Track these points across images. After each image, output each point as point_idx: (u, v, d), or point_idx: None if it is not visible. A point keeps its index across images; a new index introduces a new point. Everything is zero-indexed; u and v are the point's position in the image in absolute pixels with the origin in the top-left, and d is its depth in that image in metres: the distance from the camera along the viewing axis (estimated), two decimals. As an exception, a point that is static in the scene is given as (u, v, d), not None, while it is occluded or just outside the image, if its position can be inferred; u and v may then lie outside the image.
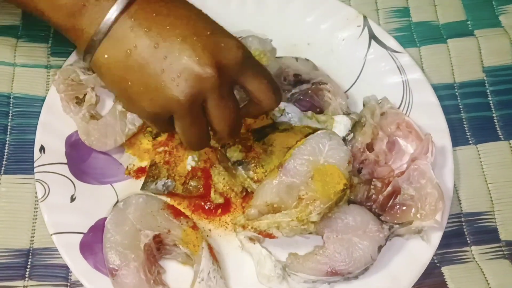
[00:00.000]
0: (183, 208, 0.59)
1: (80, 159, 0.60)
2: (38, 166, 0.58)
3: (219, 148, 0.58)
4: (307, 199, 0.53)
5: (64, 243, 0.55)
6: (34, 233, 0.58)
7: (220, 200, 0.59)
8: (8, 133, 0.63)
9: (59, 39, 0.67)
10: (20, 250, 0.58)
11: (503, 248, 0.62)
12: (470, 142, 0.67)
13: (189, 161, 0.60)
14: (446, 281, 0.59)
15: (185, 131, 0.49)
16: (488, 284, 0.59)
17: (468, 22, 0.75)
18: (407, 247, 0.57)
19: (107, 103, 0.63)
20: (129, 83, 0.46)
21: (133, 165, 0.61)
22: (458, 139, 0.67)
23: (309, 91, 0.65)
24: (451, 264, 0.61)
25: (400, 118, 0.62)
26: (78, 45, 0.49)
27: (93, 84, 0.61)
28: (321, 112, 0.64)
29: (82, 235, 0.56)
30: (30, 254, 0.58)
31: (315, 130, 0.59)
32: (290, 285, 0.55)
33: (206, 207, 0.59)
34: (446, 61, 0.72)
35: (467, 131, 0.68)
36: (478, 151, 0.67)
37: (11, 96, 0.64)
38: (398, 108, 0.65)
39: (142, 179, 0.60)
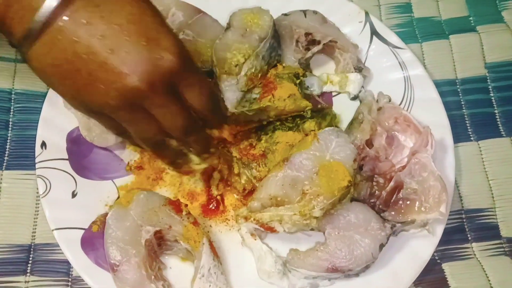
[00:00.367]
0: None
1: (81, 154, 0.60)
2: (40, 162, 0.58)
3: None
4: (311, 194, 0.54)
5: (65, 238, 0.55)
6: (35, 228, 0.59)
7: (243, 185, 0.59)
8: (10, 128, 0.63)
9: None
10: (21, 246, 0.58)
11: (504, 245, 0.62)
12: (472, 138, 0.67)
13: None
14: (446, 278, 0.60)
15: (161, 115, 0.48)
16: (489, 280, 0.59)
17: (471, 18, 0.75)
18: (408, 244, 0.57)
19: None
20: (76, 74, 0.44)
21: (134, 161, 0.61)
22: (459, 135, 0.67)
23: (322, 54, 0.67)
24: (452, 260, 0.61)
25: (398, 112, 0.62)
26: (11, 35, 0.44)
27: None
28: None
29: (83, 231, 0.56)
30: (32, 249, 0.58)
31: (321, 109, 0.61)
32: (290, 281, 0.55)
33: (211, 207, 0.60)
34: (448, 57, 0.72)
35: (468, 127, 0.68)
36: (480, 147, 0.67)
37: (13, 92, 0.64)
38: (400, 104, 0.64)
39: (142, 175, 0.60)
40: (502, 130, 0.68)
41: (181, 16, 0.64)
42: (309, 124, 0.60)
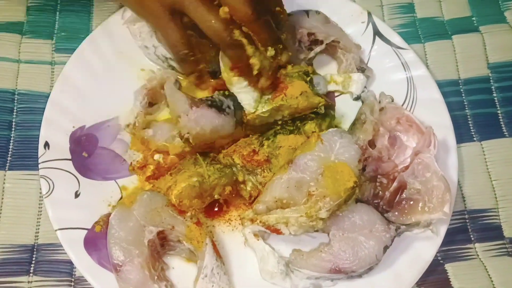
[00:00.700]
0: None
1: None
2: (43, 162, 0.58)
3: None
4: (317, 195, 0.53)
5: (68, 238, 0.55)
6: (38, 228, 0.59)
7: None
8: (13, 129, 0.63)
9: (63, 36, 0.67)
10: (24, 246, 0.58)
11: (507, 246, 0.62)
12: (475, 138, 0.67)
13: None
14: (449, 278, 0.59)
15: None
16: (492, 281, 0.59)
17: (473, 18, 0.75)
18: (410, 244, 0.57)
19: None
20: None
21: (137, 161, 0.61)
22: (462, 135, 0.66)
23: (324, 54, 0.67)
24: (455, 261, 0.61)
25: (400, 112, 0.62)
26: None
27: None
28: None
29: (86, 231, 0.56)
30: (35, 249, 0.58)
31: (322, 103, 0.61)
32: (293, 281, 0.55)
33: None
34: (451, 58, 0.72)
35: (471, 127, 0.68)
36: (483, 148, 0.66)
37: (16, 93, 0.65)
38: (402, 104, 0.64)
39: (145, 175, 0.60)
40: (505, 131, 0.68)
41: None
42: (310, 126, 0.60)
